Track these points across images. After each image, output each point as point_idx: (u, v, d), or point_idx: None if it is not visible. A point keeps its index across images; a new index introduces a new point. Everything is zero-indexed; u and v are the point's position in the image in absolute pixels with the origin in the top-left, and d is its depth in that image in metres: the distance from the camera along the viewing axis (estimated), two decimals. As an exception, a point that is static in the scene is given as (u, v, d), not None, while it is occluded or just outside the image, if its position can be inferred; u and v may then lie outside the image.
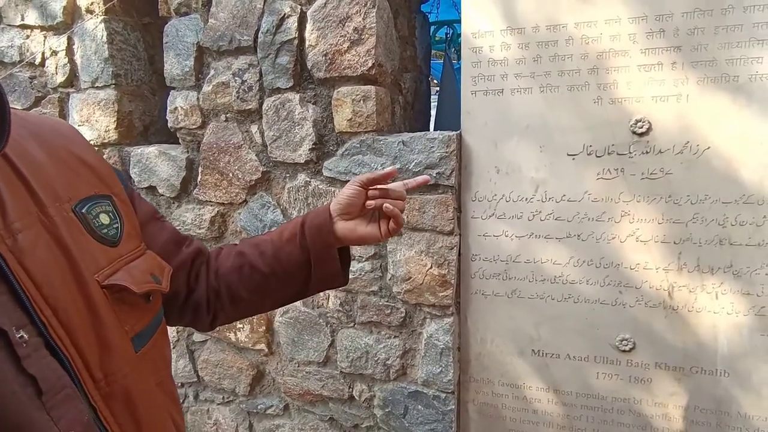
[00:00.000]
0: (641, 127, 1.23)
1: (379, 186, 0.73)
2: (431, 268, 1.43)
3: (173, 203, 1.71)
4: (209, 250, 0.75)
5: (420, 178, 0.77)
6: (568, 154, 1.31)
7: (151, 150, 1.69)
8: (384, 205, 0.71)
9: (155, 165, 1.69)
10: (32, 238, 0.44)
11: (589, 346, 1.38)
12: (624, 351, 1.35)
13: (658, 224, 1.26)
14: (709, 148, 1.20)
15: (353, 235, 0.73)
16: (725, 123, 1.18)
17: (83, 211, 0.51)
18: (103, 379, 0.47)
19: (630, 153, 1.26)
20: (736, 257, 1.22)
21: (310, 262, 0.70)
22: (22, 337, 0.40)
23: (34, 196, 0.47)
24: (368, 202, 0.71)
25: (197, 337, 1.81)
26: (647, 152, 1.24)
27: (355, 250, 1.51)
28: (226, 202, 1.63)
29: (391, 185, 0.74)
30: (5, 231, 0.42)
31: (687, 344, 1.30)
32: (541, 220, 1.35)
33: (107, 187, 0.56)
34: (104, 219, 0.53)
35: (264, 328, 1.67)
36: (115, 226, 0.54)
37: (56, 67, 1.76)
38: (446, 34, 2.52)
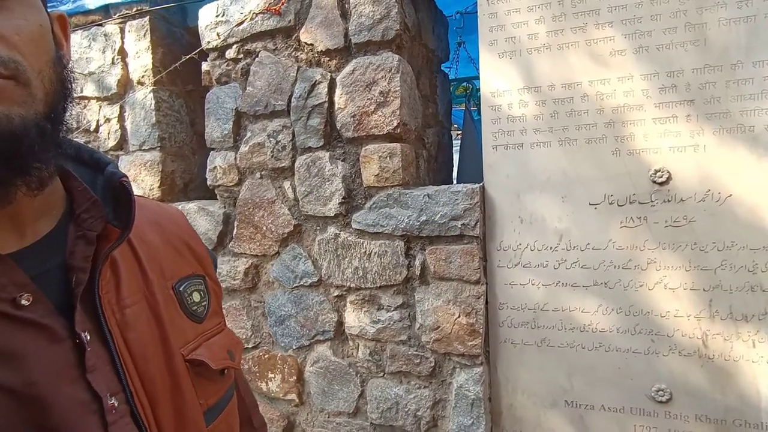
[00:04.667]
0: (661, 177, 1.26)
1: None
2: (459, 317, 1.45)
3: (210, 256, 1.79)
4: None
5: None
6: (590, 204, 1.34)
7: (191, 206, 1.80)
8: None
9: (194, 220, 1.79)
10: (137, 314, 0.50)
11: (624, 397, 1.35)
12: (661, 402, 1.31)
13: (686, 271, 1.27)
14: (731, 195, 1.22)
15: None
16: (745, 171, 1.20)
17: (180, 288, 0.58)
18: None
19: (652, 202, 1.28)
20: (770, 304, 1.21)
21: None
22: (113, 404, 0.45)
23: (144, 275, 0.54)
24: None
25: (229, 387, 1.84)
26: (669, 201, 1.27)
27: (384, 299, 1.55)
28: (259, 254, 1.71)
29: None
30: (117, 306, 0.49)
31: (727, 395, 1.26)
32: (567, 269, 1.37)
33: (203, 268, 0.63)
34: (196, 297, 0.59)
35: (295, 377, 1.70)
36: (203, 303, 0.60)
37: (108, 133, 1.93)
38: (466, 88, 2.64)
